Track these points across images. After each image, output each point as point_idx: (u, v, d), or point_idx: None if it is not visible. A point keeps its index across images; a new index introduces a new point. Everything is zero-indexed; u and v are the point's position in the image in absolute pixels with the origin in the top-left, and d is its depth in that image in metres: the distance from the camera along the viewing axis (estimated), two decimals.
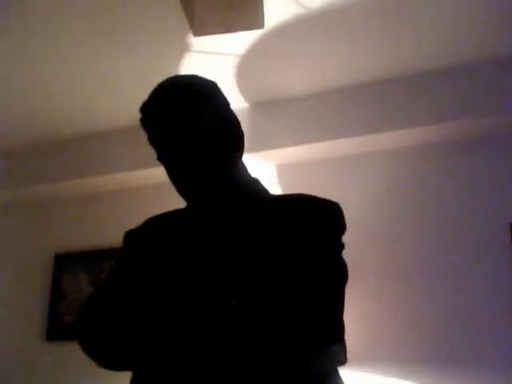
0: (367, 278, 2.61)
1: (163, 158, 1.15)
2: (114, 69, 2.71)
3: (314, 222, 1.08)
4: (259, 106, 3.00)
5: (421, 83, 2.74)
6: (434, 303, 2.56)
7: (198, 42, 2.47)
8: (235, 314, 0.95)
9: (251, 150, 2.81)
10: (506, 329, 2.44)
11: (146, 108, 1.14)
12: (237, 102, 2.89)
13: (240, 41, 2.48)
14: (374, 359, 2.54)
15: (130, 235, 1.22)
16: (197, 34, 2.02)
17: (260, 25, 2.00)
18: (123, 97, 2.93)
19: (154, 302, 1.00)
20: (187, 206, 1.19)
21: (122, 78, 2.80)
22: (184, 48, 2.54)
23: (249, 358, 0.94)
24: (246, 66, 2.69)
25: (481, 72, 2.65)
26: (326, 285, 1.02)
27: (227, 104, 1.20)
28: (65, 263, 3.32)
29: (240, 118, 1.25)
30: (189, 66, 2.66)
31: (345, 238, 1.13)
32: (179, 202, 1.19)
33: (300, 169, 2.97)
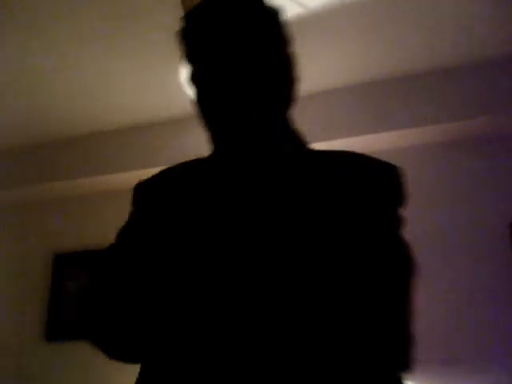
0: None
1: (200, 77, 0.92)
2: (114, 69, 2.71)
3: (365, 190, 0.84)
4: None
5: (420, 83, 2.73)
6: (433, 303, 2.55)
7: None
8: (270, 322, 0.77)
9: None
10: (506, 329, 2.44)
11: (195, 15, 0.92)
12: None
13: None
14: None
15: (144, 189, 0.98)
16: None
17: None
18: (123, 97, 2.93)
19: (177, 282, 0.82)
20: (212, 153, 0.95)
21: (122, 78, 2.79)
22: None
23: (283, 358, 0.76)
24: None
25: (481, 72, 2.65)
26: (386, 285, 0.77)
27: (289, 40, 1.00)
28: (64, 263, 3.32)
29: None
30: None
31: None
32: None
33: None
